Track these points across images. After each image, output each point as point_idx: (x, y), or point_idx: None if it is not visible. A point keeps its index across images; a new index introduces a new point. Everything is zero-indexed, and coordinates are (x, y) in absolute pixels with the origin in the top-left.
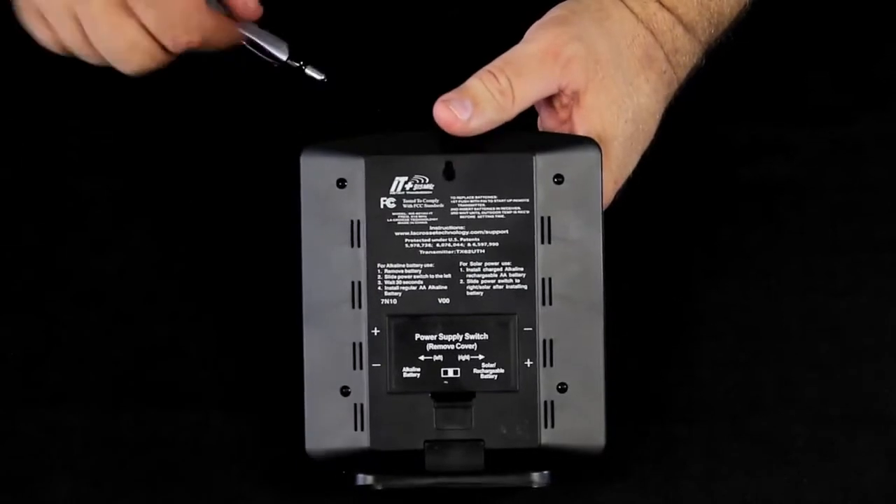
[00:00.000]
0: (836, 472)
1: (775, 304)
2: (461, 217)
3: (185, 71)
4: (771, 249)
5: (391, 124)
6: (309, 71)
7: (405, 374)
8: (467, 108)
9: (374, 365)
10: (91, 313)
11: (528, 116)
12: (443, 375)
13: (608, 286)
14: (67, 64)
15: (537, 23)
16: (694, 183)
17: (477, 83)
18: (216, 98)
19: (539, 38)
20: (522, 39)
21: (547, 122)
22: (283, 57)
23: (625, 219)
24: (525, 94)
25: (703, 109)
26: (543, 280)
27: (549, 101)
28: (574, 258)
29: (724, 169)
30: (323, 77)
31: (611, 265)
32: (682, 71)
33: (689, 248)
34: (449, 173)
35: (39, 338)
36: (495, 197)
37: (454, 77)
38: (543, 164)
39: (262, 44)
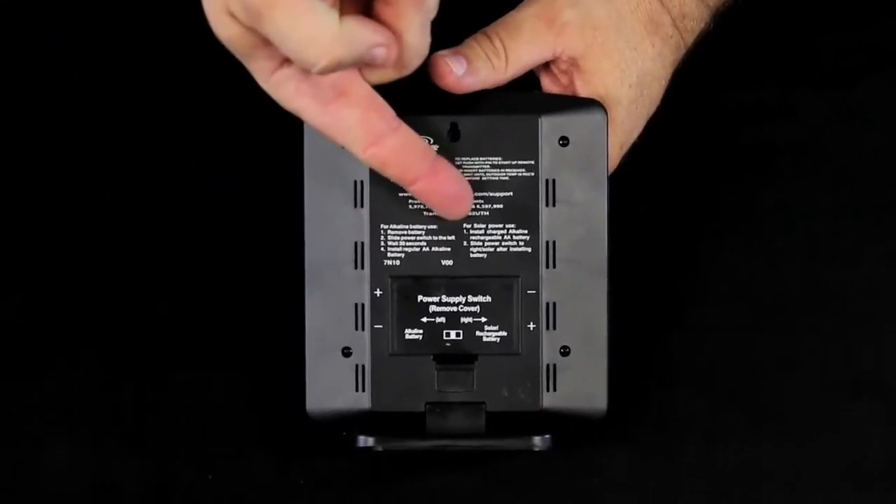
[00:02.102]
0: (838, 439)
1: (777, 269)
2: (465, 178)
3: (186, 40)
4: (773, 214)
5: (393, 84)
6: None
7: (407, 336)
8: (462, 64)
9: (376, 326)
10: (88, 274)
11: (535, 83)
12: (445, 338)
13: (612, 250)
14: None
15: None
16: (696, 146)
17: (472, 43)
18: (214, 60)
19: (534, 2)
20: (519, 4)
21: (549, 89)
22: None
23: (626, 182)
24: (519, 58)
25: (705, 72)
26: (548, 243)
27: (548, 67)
28: (579, 221)
29: (727, 132)
30: None
31: (613, 229)
32: (689, 36)
33: (690, 213)
34: (454, 134)
35: (35, 300)
36: (500, 159)
37: (453, 36)
38: (549, 126)
39: None
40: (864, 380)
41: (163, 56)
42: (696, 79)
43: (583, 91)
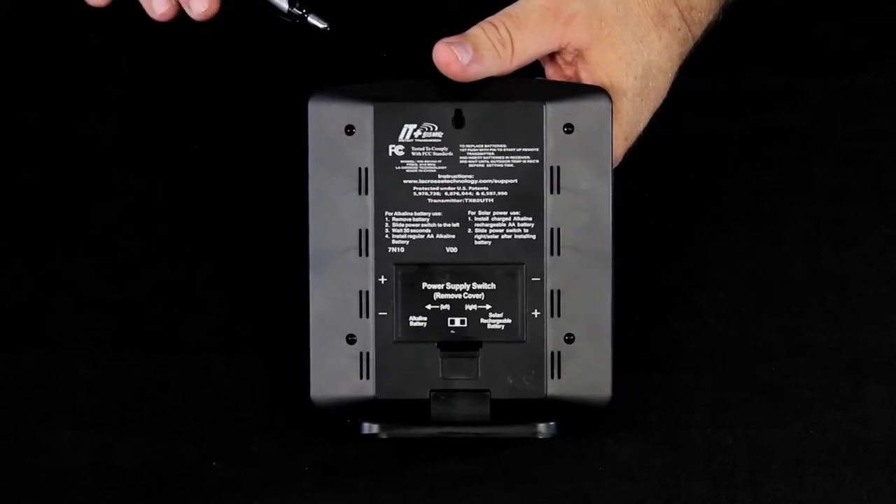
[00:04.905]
0: (842, 421)
1: (782, 252)
2: (470, 166)
3: (189, 23)
4: (778, 198)
5: (397, 71)
6: (311, 19)
7: (412, 323)
8: (468, 52)
9: (380, 313)
10: (93, 257)
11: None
12: (449, 325)
13: (616, 235)
14: (73, 10)
15: None
16: (700, 131)
17: (478, 31)
18: (219, 47)
19: None
20: None
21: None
22: (285, 6)
23: (630, 167)
24: (525, 49)
25: (710, 57)
26: (552, 230)
27: (553, 58)
28: (583, 208)
29: (732, 116)
30: (326, 25)
31: (617, 214)
32: (697, 28)
33: (694, 198)
34: (458, 121)
35: (41, 282)
36: (505, 146)
37: (458, 22)
38: (554, 113)
39: None
40: (867, 362)
41: (169, 48)
42: (701, 64)
43: (587, 81)
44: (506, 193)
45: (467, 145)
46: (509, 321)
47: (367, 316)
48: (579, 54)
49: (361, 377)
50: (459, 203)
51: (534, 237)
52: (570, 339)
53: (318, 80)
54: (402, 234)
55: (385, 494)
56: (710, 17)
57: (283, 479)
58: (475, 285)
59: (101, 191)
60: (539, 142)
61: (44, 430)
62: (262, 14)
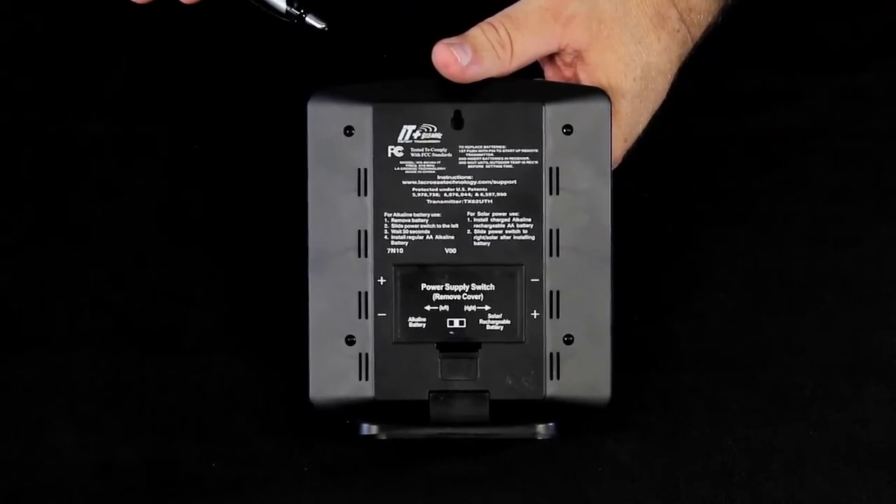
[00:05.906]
0: (842, 422)
1: (781, 253)
2: (469, 167)
3: (188, 23)
4: (777, 198)
5: (397, 71)
6: (309, 19)
7: (411, 324)
8: (467, 53)
9: (379, 314)
10: (93, 257)
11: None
12: (448, 326)
13: (615, 236)
14: (73, 9)
15: None
16: (700, 131)
17: (478, 32)
18: (218, 47)
19: None
20: None
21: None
22: (282, 6)
23: (629, 168)
24: (524, 50)
25: (709, 58)
26: (551, 231)
27: (552, 59)
28: (582, 209)
29: (731, 117)
30: (324, 26)
31: (616, 214)
32: (696, 30)
33: (694, 198)
34: (458, 122)
35: (41, 282)
36: (504, 147)
37: (457, 22)
38: (553, 114)
39: None
40: (867, 362)
41: (169, 48)
42: (700, 65)
43: (586, 83)
44: (505, 194)
45: (466, 146)
46: (508, 322)
47: (367, 317)
48: (578, 55)
49: (360, 378)
50: (458, 204)
51: (533, 238)
52: (569, 339)
53: (318, 80)
54: (402, 234)
55: (385, 494)
56: (710, 19)
57: (283, 479)
58: (474, 286)
59: (101, 191)
60: (538, 143)
61: (44, 430)
62: (261, 14)
